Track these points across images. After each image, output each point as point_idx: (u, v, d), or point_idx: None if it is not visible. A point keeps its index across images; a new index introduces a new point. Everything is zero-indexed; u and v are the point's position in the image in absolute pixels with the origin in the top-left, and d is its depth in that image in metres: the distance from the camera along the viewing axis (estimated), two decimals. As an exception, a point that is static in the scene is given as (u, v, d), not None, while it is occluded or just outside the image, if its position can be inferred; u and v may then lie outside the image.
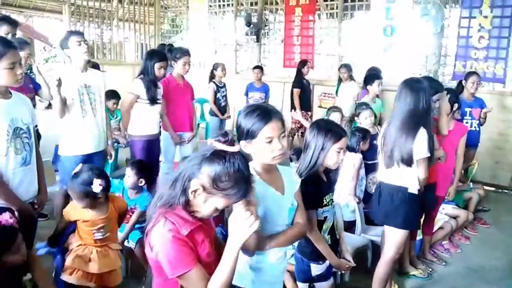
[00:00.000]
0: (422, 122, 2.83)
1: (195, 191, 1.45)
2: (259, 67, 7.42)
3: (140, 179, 3.40)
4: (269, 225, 1.82)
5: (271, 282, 1.96)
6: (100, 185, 2.54)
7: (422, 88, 2.85)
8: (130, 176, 3.39)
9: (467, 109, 4.83)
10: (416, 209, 3.03)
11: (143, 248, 3.15)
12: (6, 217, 2.13)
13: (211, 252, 1.55)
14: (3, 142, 2.36)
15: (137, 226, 3.36)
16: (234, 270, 1.46)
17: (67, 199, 3.63)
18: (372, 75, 5.47)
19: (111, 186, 2.79)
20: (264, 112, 1.75)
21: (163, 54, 4.43)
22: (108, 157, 3.93)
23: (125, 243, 3.29)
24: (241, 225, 1.40)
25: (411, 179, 2.92)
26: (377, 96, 5.47)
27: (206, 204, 1.48)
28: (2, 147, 2.36)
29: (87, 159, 3.64)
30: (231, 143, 1.46)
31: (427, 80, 3.16)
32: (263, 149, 1.74)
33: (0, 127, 2.34)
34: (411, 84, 2.91)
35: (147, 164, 3.72)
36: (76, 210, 2.69)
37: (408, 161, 2.86)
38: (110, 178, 2.81)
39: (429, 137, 2.84)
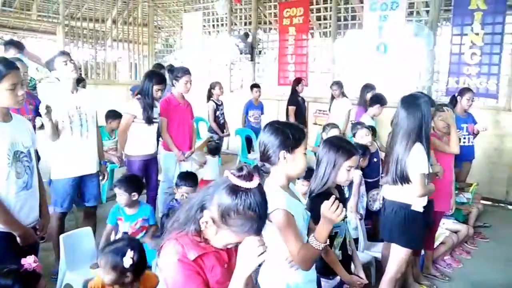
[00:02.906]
0: (418, 138, 2.84)
1: (205, 222, 1.41)
2: (258, 86, 7.48)
3: (132, 194, 3.37)
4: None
5: None
6: (131, 258, 2.20)
7: (418, 104, 2.87)
8: (121, 194, 3.36)
9: (464, 125, 4.88)
10: (420, 228, 3.01)
11: None
12: (30, 261, 1.97)
13: (223, 280, 1.46)
14: (4, 166, 2.30)
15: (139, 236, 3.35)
16: None
17: (61, 221, 3.66)
18: (377, 99, 5.44)
19: (145, 267, 2.39)
20: (301, 128, 1.96)
21: (162, 76, 4.47)
22: (101, 178, 3.87)
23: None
24: (250, 254, 1.33)
25: (414, 197, 2.92)
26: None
27: (217, 237, 1.43)
28: (3, 171, 2.30)
29: (79, 181, 3.62)
30: (247, 178, 1.39)
31: (426, 97, 3.14)
32: (301, 160, 1.88)
33: (0, 151, 2.29)
34: (408, 100, 2.95)
35: (135, 177, 3.70)
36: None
37: (404, 178, 2.86)
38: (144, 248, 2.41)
39: (427, 153, 2.85)
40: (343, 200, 2.40)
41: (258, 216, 1.38)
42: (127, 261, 2.18)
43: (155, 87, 4.23)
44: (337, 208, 1.73)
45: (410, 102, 2.93)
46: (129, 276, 2.24)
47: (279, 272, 1.92)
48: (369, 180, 4.19)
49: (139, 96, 4.30)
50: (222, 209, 1.38)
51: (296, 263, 1.86)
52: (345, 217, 2.37)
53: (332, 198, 1.75)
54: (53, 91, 3.61)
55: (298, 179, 3.56)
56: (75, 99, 3.54)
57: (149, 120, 4.23)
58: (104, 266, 2.23)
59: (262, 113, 7.39)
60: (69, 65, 3.47)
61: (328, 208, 1.72)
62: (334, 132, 4.64)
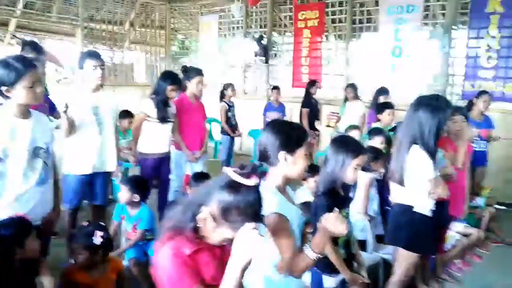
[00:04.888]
0: (420, 140, 2.76)
1: (204, 218, 1.44)
2: (277, 88, 7.49)
3: (134, 195, 3.41)
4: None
5: None
6: (101, 236, 2.58)
7: (425, 104, 2.80)
8: (123, 192, 3.41)
9: (476, 130, 4.82)
10: (423, 231, 2.90)
11: (137, 266, 3.22)
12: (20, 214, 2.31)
13: (217, 275, 1.47)
14: (23, 161, 2.40)
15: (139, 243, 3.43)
16: None
17: (72, 217, 3.68)
18: (383, 104, 5.38)
19: (112, 248, 2.86)
20: (304, 129, 1.94)
21: (176, 77, 4.52)
22: (113, 176, 3.92)
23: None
24: (247, 245, 1.35)
25: (417, 198, 2.87)
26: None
27: (215, 233, 1.46)
28: (21, 166, 2.40)
29: (90, 179, 3.64)
30: (248, 176, 1.43)
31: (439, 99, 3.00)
32: (302, 161, 1.80)
33: (20, 147, 2.39)
34: (418, 101, 2.89)
35: (143, 180, 3.74)
36: (75, 271, 2.64)
37: (401, 180, 2.84)
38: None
39: (433, 153, 2.77)
40: (347, 199, 2.42)
41: (256, 214, 1.43)
42: (97, 239, 2.56)
43: (169, 87, 4.29)
44: (340, 222, 1.67)
45: (419, 103, 2.87)
46: (100, 254, 2.60)
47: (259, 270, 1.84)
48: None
49: (153, 95, 4.37)
50: (223, 205, 1.41)
51: (286, 270, 1.77)
52: (347, 215, 2.38)
53: (336, 211, 1.69)
54: (74, 89, 3.68)
55: (304, 179, 3.57)
56: (95, 98, 3.59)
57: (163, 119, 4.28)
58: (77, 248, 2.58)
59: (284, 115, 7.33)
60: (98, 71, 3.51)
61: (330, 221, 1.65)
62: (353, 134, 4.63)
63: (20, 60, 2.40)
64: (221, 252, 1.54)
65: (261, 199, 1.46)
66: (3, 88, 2.33)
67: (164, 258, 1.45)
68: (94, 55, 3.64)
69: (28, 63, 2.42)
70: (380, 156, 4.19)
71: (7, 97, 2.36)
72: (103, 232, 2.61)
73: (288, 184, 1.92)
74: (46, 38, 10.86)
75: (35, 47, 4.27)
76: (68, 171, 3.62)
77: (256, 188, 1.44)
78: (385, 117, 5.19)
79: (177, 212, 1.52)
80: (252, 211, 1.42)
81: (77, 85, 3.72)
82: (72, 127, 3.44)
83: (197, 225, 1.46)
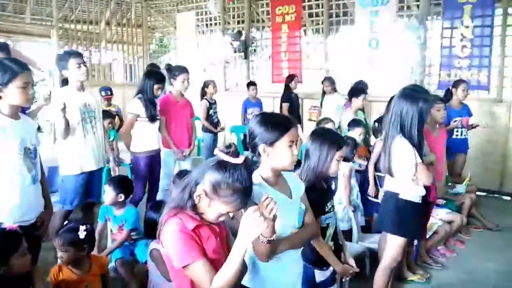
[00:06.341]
0: (403, 131, 2.84)
1: (199, 195, 1.59)
2: (254, 84, 7.50)
3: (119, 195, 3.40)
4: (281, 230, 1.84)
5: (287, 284, 1.97)
6: (84, 230, 2.55)
7: (406, 96, 2.87)
8: (108, 192, 3.40)
9: (457, 118, 4.90)
10: (416, 218, 3.02)
11: (124, 266, 3.22)
12: (9, 225, 2.29)
13: (218, 249, 1.64)
14: (17, 160, 2.45)
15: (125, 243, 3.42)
16: (240, 268, 1.53)
17: (64, 220, 3.65)
18: (359, 89, 5.57)
19: (95, 242, 2.87)
20: (287, 119, 1.96)
21: (161, 75, 4.61)
22: (112, 173, 4.07)
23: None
24: (251, 225, 1.45)
25: (402, 185, 2.96)
26: (361, 109, 5.57)
27: (210, 209, 1.60)
28: (16, 165, 2.46)
29: (89, 176, 3.72)
30: (234, 154, 1.58)
31: (421, 90, 3.10)
32: (284, 153, 1.82)
33: (13, 146, 2.44)
34: (400, 92, 2.95)
35: (127, 179, 3.77)
36: (62, 270, 2.63)
37: (389, 170, 2.93)
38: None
39: (416, 143, 2.85)
40: (331, 192, 2.45)
41: (244, 188, 1.57)
42: (82, 234, 2.52)
43: (156, 86, 4.38)
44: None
45: (401, 94, 2.93)
46: (85, 248, 2.56)
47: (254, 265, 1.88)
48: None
49: (140, 95, 4.42)
50: (213, 182, 1.56)
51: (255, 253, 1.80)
52: (333, 207, 2.42)
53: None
54: (62, 91, 3.75)
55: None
56: (83, 97, 3.68)
57: (152, 118, 4.37)
58: (62, 245, 2.49)
59: (261, 110, 7.33)
60: (82, 68, 3.60)
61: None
62: (329, 126, 4.69)
63: (14, 61, 2.47)
64: (219, 228, 1.71)
65: (250, 176, 1.60)
66: None
67: (170, 233, 1.58)
68: (76, 53, 3.79)
69: (22, 65, 2.48)
70: (356, 145, 4.28)
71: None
72: (86, 226, 2.59)
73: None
74: (21, 41, 10.66)
75: (2, 48, 4.24)
76: (68, 172, 3.66)
77: (243, 165, 1.57)
78: (359, 101, 5.32)
79: (178, 192, 1.66)
80: (240, 185, 1.55)
81: (64, 88, 3.75)
82: (68, 128, 3.51)
83: (195, 203, 1.60)
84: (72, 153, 3.63)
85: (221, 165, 1.57)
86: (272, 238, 1.64)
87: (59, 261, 2.59)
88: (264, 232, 1.59)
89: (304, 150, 2.40)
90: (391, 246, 3.07)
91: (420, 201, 3.00)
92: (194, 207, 1.62)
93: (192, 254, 1.55)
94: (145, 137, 4.43)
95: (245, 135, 7.13)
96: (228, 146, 1.61)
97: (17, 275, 2.19)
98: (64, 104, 3.33)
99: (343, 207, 3.90)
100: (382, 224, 3.17)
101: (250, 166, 1.62)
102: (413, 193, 2.98)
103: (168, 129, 4.70)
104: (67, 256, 2.53)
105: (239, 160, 1.57)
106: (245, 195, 1.57)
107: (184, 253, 1.55)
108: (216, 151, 1.61)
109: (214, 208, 1.60)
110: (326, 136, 2.35)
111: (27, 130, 2.58)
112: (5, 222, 2.38)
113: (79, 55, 3.73)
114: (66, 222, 2.75)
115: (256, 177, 1.84)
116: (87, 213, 3.90)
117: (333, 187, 2.84)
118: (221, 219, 1.64)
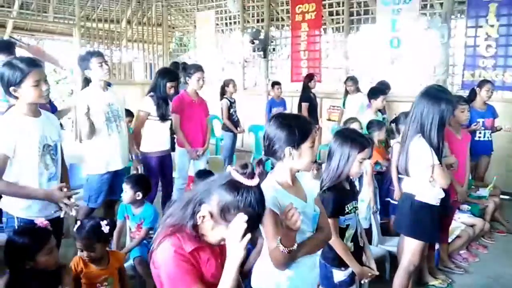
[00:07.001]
0: (423, 131, 2.77)
1: (203, 216, 1.42)
2: (279, 83, 7.46)
3: (137, 193, 3.41)
4: (297, 234, 1.82)
5: None
6: (106, 225, 2.61)
7: (428, 96, 2.80)
8: (126, 191, 3.41)
9: (480, 120, 4.81)
10: (432, 220, 2.94)
11: (142, 265, 3.22)
12: (41, 220, 2.30)
13: (217, 274, 1.46)
14: (36, 157, 2.48)
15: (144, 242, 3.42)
16: None
17: (89, 215, 3.70)
18: (378, 90, 5.50)
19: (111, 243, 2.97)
20: (306, 119, 1.91)
21: (175, 73, 4.56)
22: (135, 171, 4.09)
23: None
24: (235, 246, 1.34)
25: (419, 187, 2.90)
26: (380, 110, 5.50)
27: (213, 232, 1.44)
28: (34, 163, 2.49)
29: (114, 175, 3.76)
30: (250, 176, 1.41)
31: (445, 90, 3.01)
32: (307, 154, 1.79)
33: (32, 144, 2.47)
34: (423, 92, 2.89)
35: (144, 178, 3.77)
36: (82, 263, 2.68)
37: (407, 170, 2.89)
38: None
39: (435, 144, 2.77)
40: (354, 193, 2.42)
41: (257, 214, 1.41)
42: (106, 228, 2.58)
43: (168, 84, 4.34)
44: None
45: (424, 93, 2.86)
46: (110, 241, 2.64)
47: (270, 272, 1.84)
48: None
49: (152, 93, 4.38)
50: (222, 205, 1.39)
51: (272, 260, 1.76)
52: (356, 208, 2.38)
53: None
54: (85, 92, 3.77)
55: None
56: (107, 97, 3.72)
57: (163, 117, 4.32)
58: (88, 243, 2.55)
59: (285, 109, 7.31)
60: (104, 67, 3.65)
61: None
62: (354, 126, 4.63)
63: (24, 60, 2.49)
64: (221, 250, 1.53)
65: (263, 199, 1.44)
66: (11, 89, 2.42)
67: (164, 255, 1.42)
68: (97, 53, 3.83)
69: (32, 62, 2.49)
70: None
71: (16, 97, 2.45)
72: (107, 221, 2.64)
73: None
74: (43, 39, 10.83)
75: (7, 48, 4.27)
76: (93, 171, 3.72)
77: (257, 188, 1.42)
78: (378, 102, 5.27)
79: (179, 208, 1.49)
80: (252, 211, 1.38)
81: (88, 89, 3.76)
82: (93, 129, 3.56)
83: (197, 223, 1.44)
84: (98, 152, 3.67)
85: (233, 186, 1.40)
86: (293, 248, 1.58)
87: (78, 253, 2.63)
88: (285, 241, 1.54)
89: (326, 150, 2.38)
90: (408, 249, 3.01)
91: (438, 204, 2.93)
92: (195, 226, 1.45)
93: (187, 279, 1.40)
94: (156, 137, 4.38)
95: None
96: (245, 166, 1.42)
97: (45, 271, 2.23)
98: (88, 107, 3.37)
99: (366, 205, 3.85)
100: (399, 226, 3.13)
101: (261, 188, 1.46)
102: (430, 195, 2.91)
103: (182, 128, 4.64)
104: (91, 252, 2.59)
105: (254, 182, 1.40)
106: (256, 221, 1.42)
107: (177, 279, 1.40)
108: (229, 168, 1.44)
109: (218, 233, 1.43)
110: (349, 137, 2.33)
111: (48, 127, 2.60)
112: (35, 219, 2.39)
113: (100, 54, 3.77)
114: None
115: (271, 182, 1.81)
116: (108, 211, 3.95)
117: (357, 188, 2.81)
118: (223, 243, 1.43)
